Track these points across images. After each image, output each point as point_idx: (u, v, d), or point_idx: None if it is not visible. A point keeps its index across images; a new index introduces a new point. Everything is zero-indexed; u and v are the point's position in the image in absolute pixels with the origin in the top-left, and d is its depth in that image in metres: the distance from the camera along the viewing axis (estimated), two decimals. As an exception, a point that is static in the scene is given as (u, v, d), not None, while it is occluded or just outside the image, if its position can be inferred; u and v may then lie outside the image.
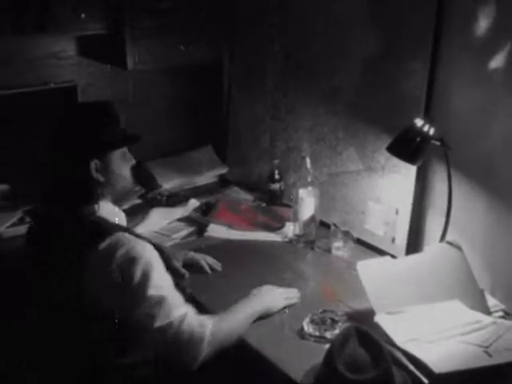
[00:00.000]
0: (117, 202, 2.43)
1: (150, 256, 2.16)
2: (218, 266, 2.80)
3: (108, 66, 3.60)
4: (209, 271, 2.77)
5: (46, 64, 3.49)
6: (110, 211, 2.35)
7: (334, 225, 2.93)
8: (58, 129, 2.32)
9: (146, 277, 2.11)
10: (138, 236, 2.25)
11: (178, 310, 2.16)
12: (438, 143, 2.55)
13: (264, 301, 2.45)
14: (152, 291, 2.11)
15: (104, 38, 3.31)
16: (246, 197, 3.58)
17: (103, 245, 2.12)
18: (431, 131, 2.53)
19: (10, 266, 2.85)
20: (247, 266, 2.82)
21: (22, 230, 3.03)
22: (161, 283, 2.16)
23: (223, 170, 3.85)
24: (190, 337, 2.15)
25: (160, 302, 2.13)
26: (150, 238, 2.37)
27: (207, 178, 3.81)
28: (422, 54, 2.67)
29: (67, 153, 2.26)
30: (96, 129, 2.27)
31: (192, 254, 2.82)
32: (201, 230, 3.17)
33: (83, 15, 3.09)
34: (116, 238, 2.14)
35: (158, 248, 2.26)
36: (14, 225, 3.09)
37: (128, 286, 2.11)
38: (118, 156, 2.31)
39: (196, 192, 3.63)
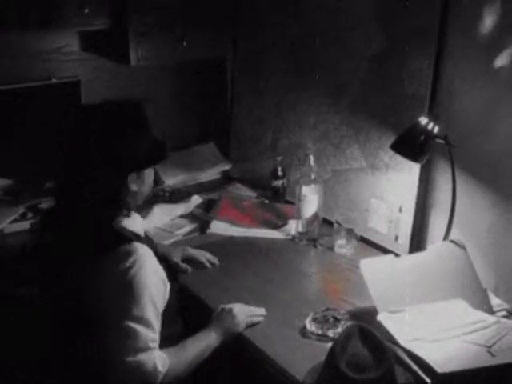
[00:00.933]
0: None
1: (151, 282, 2.12)
2: (215, 260, 2.80)
3: (111, 62, 3.59)
4: (208, 266, 2.77)
5: (49, 59, 3.49)
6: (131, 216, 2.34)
7: (338, 222, 2.92)
8: (95, 137, 2.18)
9: (135, 300, 2.08)
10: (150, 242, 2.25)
11: (146, 348, 2.10)
12: (442, 141, 2.54)
13: (222, 331, 2.35)
14: (133, 320, 2.08)
15: (107, 33, 3.30)
16: (248, 194, 3.58)
17: (119, 251, 2.10)
18: (435, 129, 2.52)
19: (12, 260, 2.85)
20: (249, 263, 2.82)
21: (24, 225, 3.05)
22: (144, 314, 2.10)
23: (226, 167, 3.85)
24: (146, 377, 2.10)
25: (134, 334, 2.08)
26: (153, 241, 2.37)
27: (210, 174, 3.80)
28: (427, 51, 2.66)
29: (106, 166, 2.17)
30: (139, 141, 2.21)
31: (190, 251, 2.82)
32: (203, 226, 3.16)
33: (87, 10, 3.08)
34: (131, 249, 2.11)
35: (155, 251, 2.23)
36: (15, 220, 3.09)
37: (120, 299, 2.09)
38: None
39: (199, 188, 3.62)
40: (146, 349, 2.08)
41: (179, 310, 2.37)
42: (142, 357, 2.07)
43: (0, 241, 2.98)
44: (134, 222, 2.38)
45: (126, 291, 2.07)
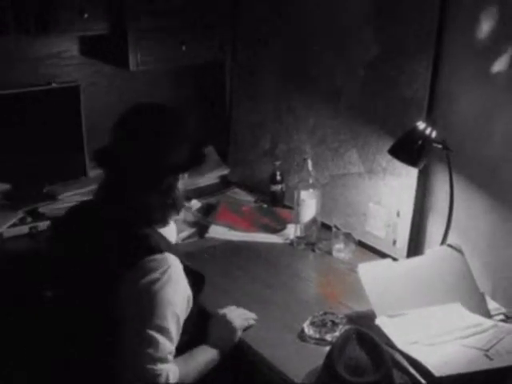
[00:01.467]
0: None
1: (177, 296, 2.12)
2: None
3: (110, 66, 3.60)
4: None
5: (48, 64, 3.50)
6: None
7: (336, 227, 2.93)
8: (136, 143, 2.18)
9: (161, 311, 2.08)
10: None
11: (165, 359, 2.10)
12: (439, 146, 2.55)
13: (223, 344, 2.35)
14: (156, 330, 2.07)
15: (107, 38, 3.31)
16: (247, 198, 3.58)
17: (150, 260, 2.08)
18: (433, 134, 2.54)
19: (11, 265, 2.86)
20: (248, 268, 2.82)
21: (23, 229, 3.06)
22: (167, 325, 2.10)
23: (225, 171, 3.85)
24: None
25: (156, 343, 2.07)
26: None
27: (209, 179, 3.80)
28: (425, 56, 2.68)
29: (144, 172, 2.18)
30: (181, 147, 2.22)
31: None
32: (202, 231, 3.16)
33: (86, 15, 3.09)
34: (162, 259, 2.10)
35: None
36: (14, 225, 3.08)
37: (145, 308, 2.08)
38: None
39: (197, 193, 3.62)
40: (165, 360, 2.08)
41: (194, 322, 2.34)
42: (160, 367, 2.07)
43: (-1, 245, 2.98)
44: (170, 230, 2.41)
45: (152, 301, 2.06)
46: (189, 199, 3.44)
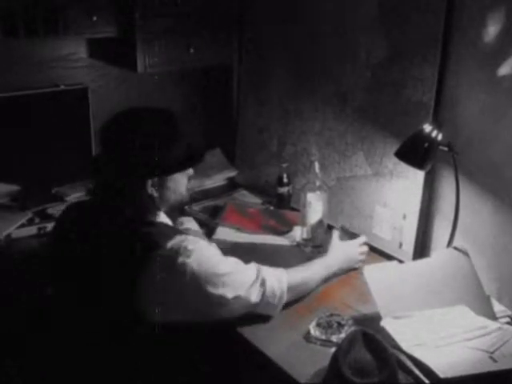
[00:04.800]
0: (168, 211, 2.46)
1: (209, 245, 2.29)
2: None
3: (119, 69, 3.61)
4: None
5: (57, 66, 3.51)
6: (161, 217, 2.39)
7: (342, 228, 2.93)
8: (118, 139, 2.23)
9: (214, 261, 2.21)
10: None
11: (250, 271, 2.30)
12: (445, 149, 2.56)
13: (340, 263, 2.65)
14: (224, 269, 2.21)
15: (115, 40, 3.32)
16: (254, 200, 3.59)
17: (168, 245, 2.14)
18: (439, 137, 2.54)
19: (19, 266, 2.87)
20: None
21: (32, 230, 3.07)
22: (225, 260, 2.27)
23: (232, 173, 3.86)
24: (277, 290, 2.32)
25: (235, 273, 2.24)
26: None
27: (216, 180, 3.82)
28: (431, 59, 2.68)
29: (126, 170, 2.20)
30: (162, 149, 2.21)
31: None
32: (209, 232, 3.17)
33: (95, 18, 3.10)
34: (179, 240, 2.17)
35: None
36: (22, 226, 3.10)
37: (198, 276, 2.15)
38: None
39: (205, 195, 3.64)
40: (251, 272, 2.31)
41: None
42: (255, 279, 2.29)
43: (7, 246, 2.99)
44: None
45: (197, 280, 2.15)
46: (196, 201, 3.46)
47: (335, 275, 2.68)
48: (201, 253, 2.17)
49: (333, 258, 2.65)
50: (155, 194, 2.26)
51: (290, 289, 2.38)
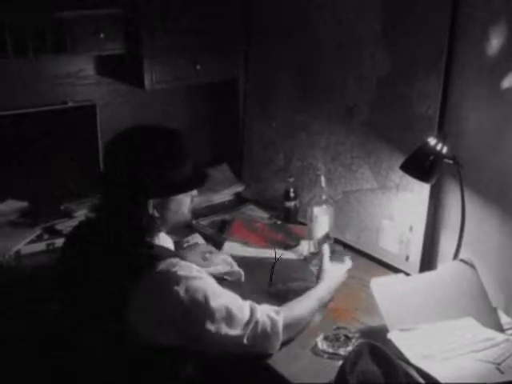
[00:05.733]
0: (168, 231, 2.46)
1: (204, 276, 2.18)
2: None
3: (126, 86, 3.64)
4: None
5: (65, 83, 3.54)
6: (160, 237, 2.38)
7: (333, 250, 2.89)
8: (122, 157, 2.21)
9: (206, 294, 2.13)
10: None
11: (245, 310, 2.21)
12: (450, 161, 2.57)
13: (331, 293, 2.55)
14: (215, 304, 2.13)
15: (122, 57, 3.35)
16: (261, 214, 3.60)
17: (159, 268, 2.11)
18: (444, 149, 2.55)
19: (28, 281, 2.89)
20: (262, 283, 2.83)
21: (40, 246, 3.09)
22: (220, 294, 2.18)
23: (239, 188, 3.87)
24: (271, 330, 2.24)
25: (228, 310, 2.15)
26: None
27: (223, 195, 3.83)
28: (436, 72, 2.70)
29: (129, 189, 2.18)
30: (167, 169, 2.21)
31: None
32: (217, 247, 3.16)
33: (102, 35, 3.13)
34: (170, 262, 2.14)
35: None
36: (32, 241, 3.12)
37: (193, 305, 2.11)
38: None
39: (212, 209, 3.66)
40: (246, 310, 2.21)
41: None
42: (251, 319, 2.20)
43: (16, 261, 3.01)
44: (165, 242, 2.46)
45: (192, 309, 2.11)
46: (204, 216, 3.48)
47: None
48: (191, 281, 2.11)
49: (325, 290, 2.53)
50: (156, 215, 2.25)
51: (286, 329, 2.28)
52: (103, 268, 2.19)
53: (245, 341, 2.18)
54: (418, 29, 2.76)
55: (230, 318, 2.15)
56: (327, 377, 2.14)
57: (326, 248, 2.68)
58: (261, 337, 2.21)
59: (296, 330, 2.37)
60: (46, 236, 3.17)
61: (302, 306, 2.41)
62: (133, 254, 2.16)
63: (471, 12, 2.57)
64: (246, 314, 2.20)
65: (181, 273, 2.10)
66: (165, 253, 2.23)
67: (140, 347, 2.12)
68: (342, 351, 2.29)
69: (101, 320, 2.17)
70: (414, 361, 2.13)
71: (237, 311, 2.18)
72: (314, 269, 2.85)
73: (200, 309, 2.11)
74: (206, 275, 2.19)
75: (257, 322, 2.20)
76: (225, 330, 2.14)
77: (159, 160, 2.20)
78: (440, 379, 2.02)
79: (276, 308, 2.31)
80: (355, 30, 3.06)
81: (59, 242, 3.07)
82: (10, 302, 2.81)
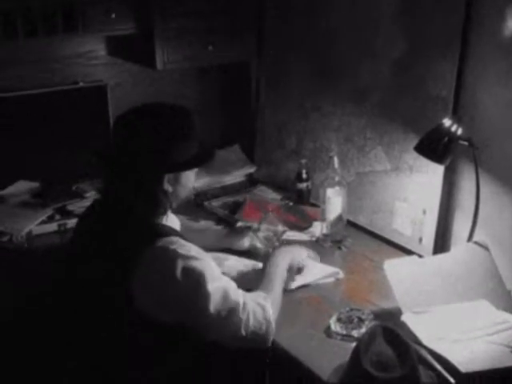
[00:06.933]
0: (175, 208, 2.44)
1: (203, 257, 2.17)
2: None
3: (138, 66, 3.63)
4: None
5: (76, 63, 3.54)
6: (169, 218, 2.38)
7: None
8: (136, 137, 2.19)
9: (202, 275, 2.12)
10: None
11: (240, 296, 2.21)
12: (465, 143, 2.55)
13: (286, 261, 2.55)
14: (212, 286, 2.13)
15: (134, 37, 3.34)
16: (273, 196, 3.59)
17: (158, 243, 2.12)
18: (459, 131, 2.53)
19: (40, 262, 2.90)
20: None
21: (52, 227, 3.10)
22: (218, 278, 2.19)
23: (251, 170, 3.86)
24: (262, 321, 2.23)
25: (224, 293, 2.16)
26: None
27: (235, 177, 3.82)
28: (451, 54, 2.67)
29: (143, 165, 2.18)
30: (180, 144, 2.21)
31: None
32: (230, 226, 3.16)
33: (114, 15, 3.12)
34: (170, 240, 2.14)
35: None
36: (43, 222, 3.13)
37: (188, 287, 2.12)
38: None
39: (224, 191, 3.65)
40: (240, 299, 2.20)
41: None
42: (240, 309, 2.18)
43: (28, 242, 3.01)
44: (172, 222, 2.45)
45: (188, 289, 2.11)
46: (216, 197, 3.47)
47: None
48: (188, 261, 2.11)
49: (275, 264, 2.52)
50: (170, 190, 2.25)
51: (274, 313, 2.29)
52: (112, 243, 2.20)
53: (242, 331, 2.18)
54: (434, 10, 2.73)
55: (226, 301, 2.15)
56: (340, 358, 2.14)
57: None
58: (255, 326, 2.21)
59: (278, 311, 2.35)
60: (57, 216, 3.18)
61: (275, 292, 2.39)
62: (141, 229, 2.18)
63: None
64: (241, 301, 2.19)
65: (179, 251, 2.11)
66: (168, 231, 2.23)
67: (145, 326, 2.13)
68: (355, 333, 2.28)
69: (107, 296, 2.18)
70: (427, 343, 2.12)
71: (233, 296, 2.18)
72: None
73: (195, 290, 2.11)
74: (206, 257, 2.20)
75: (249, 312, 2.20)
76: (222, 312, 2.15)
77: (174, 134, 2.20)
78: (454, 361, 2.01)
79: (261, 293, 2.31)
80: (370, 10, 3.03)
81: (71, 222, 3.07)
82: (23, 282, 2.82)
